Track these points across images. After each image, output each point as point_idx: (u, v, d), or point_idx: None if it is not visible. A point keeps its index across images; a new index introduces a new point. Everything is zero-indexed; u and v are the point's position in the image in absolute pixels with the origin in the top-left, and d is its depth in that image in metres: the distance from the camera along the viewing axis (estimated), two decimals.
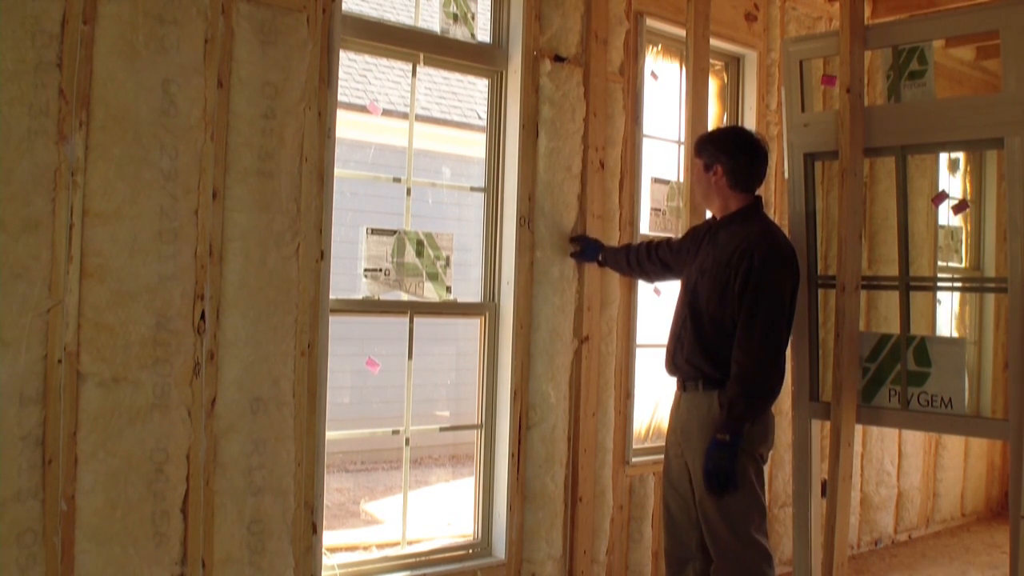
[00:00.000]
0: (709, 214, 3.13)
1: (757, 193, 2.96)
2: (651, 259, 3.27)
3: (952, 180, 5.25)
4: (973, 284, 5.09)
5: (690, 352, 2.87)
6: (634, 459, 3.69)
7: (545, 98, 3.34)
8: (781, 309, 2.77)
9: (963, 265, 5.21)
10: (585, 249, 3.40)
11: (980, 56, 5.33)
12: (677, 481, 2.96)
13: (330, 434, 2.86)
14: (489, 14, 3.40)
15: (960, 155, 5.11)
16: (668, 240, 3.30)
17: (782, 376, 2.80)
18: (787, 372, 2.88)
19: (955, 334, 5.16)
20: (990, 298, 5.20)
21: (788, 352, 2.87)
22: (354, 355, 5.93)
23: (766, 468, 4.20)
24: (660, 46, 3.96)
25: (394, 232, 3.12)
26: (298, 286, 2.71)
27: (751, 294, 2.72)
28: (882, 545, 5.00)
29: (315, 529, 2.77)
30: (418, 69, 3.23)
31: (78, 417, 2.31)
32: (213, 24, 2.52)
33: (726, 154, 2.87)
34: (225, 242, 2.57)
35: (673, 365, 2.98)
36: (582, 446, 3.44)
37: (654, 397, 3.94)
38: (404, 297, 3.15)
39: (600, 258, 3.41)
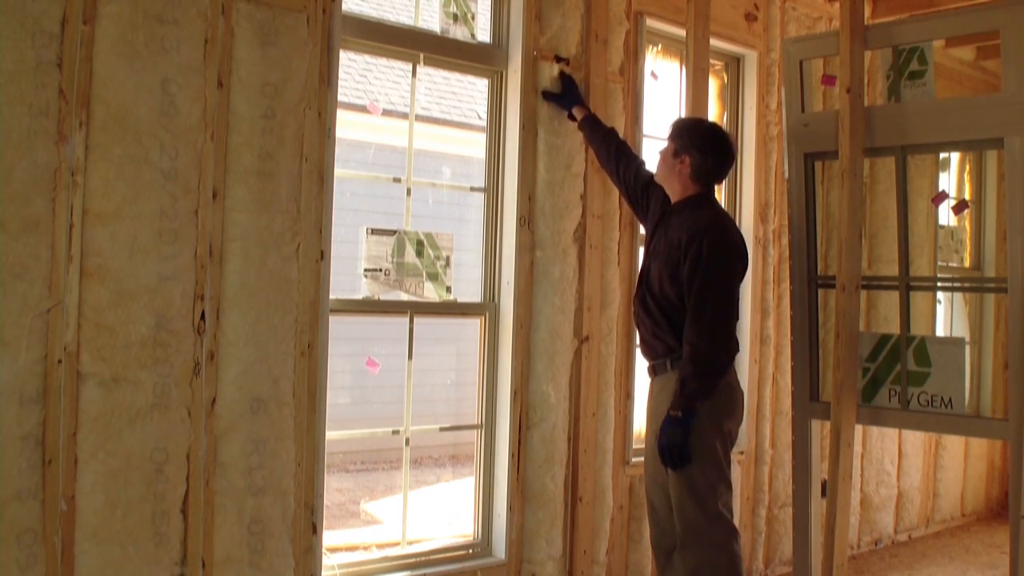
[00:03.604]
0: None
1: None
2: (619, 167, 3.27)
3: (951, 181, 5.25)
4: (973, 284, 5.09)
5: (654, 326, 2.97)
6: (634, 459, 3.69)
7: (542, 91, 3.33)
8: (729, 292, 2.86)
9: (965, 265, 5.21)
10: (565, 94, 3.35)
11: (980, 56, 5.33)
12: (654, 471, 3.00)
13: (330, 434, 2.86)
14: (489, 14, 3.40)
15: (950, 155, 5.10)
16: (639, 167, 3.27)
17: (732, 354, 2.90)
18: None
19: (965, 334, 5.16)
20: (990, 298, 5.20)
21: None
22: (354, 355, 5.92)
23: (766, 468, 4.24)
24: (660, 46, 3.96)
25: (394, 232, 3.12)
26: (298, 286, 2.71)
27: (700, 278, 2.80)
28: (882, 545, 5.00)
29: (315, 529, 2.77)
30: (418, 69, 3.23)
31: (78, 417, 2.30)
32: (213, 24, 2.52)
33: (698, 149, 2.94)
34: (225, 242, 2.57)
35: (644, 343, 3.07)
36: (582, 446, 3.44)
37: None
38: (404, 297, 3.15)
39: (578, 119, 3.36)
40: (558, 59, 3.36)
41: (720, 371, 2.84)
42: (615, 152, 3.30)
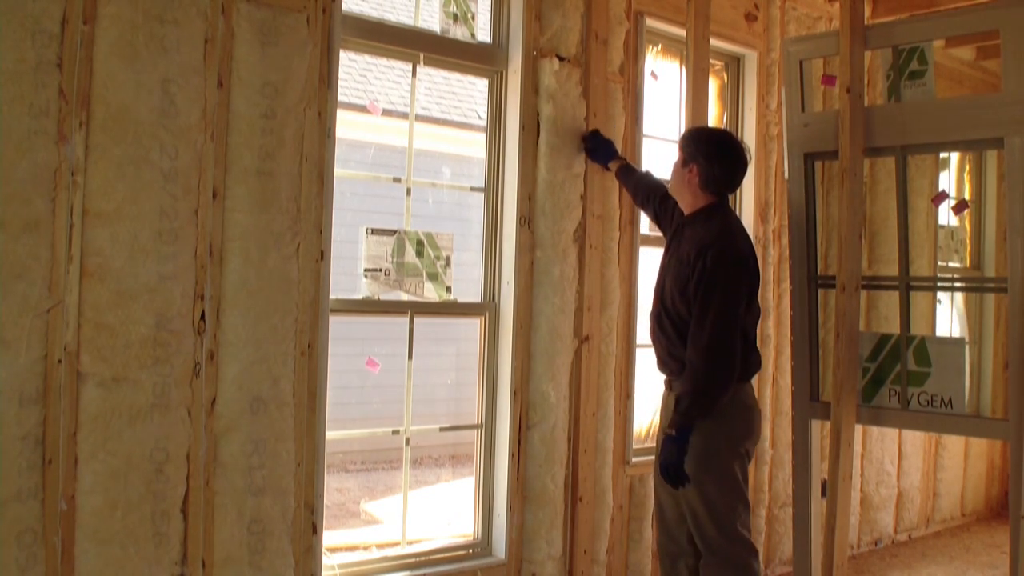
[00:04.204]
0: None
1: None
2: (649, 199, 3.30)
3: (951, 181, 5.25)
4: (973, 284, 5.10)
5: (669, 344, 2.92)
6: (634, 459, 3.69)
7: (548, 96, 3.34)
8: (732, 309, 2.76)
9: (965, 265, 5.21)
10: (596, 148, 3.42)
11: (980, 56, 5.33)
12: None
13: (330, 434, 2.86)
14: (489, 14, 3.40)
15: (950, 155, 5.11)
16: (666, 192, 3.23)
17: (732, 374, 2.76)
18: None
19: (965, 334, 5.16)
20: (990, 298, 5.20)
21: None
22: (354, 355, 5.92)
23: (766, 468, 4.25)
24: (660, 46, 3.96)
25: (394, 232, 3.12)
26: (298, 286, 2.71)
27: (704, 293, 2.75)
28: (882, 545, 5.00)
29: (315, 529, 2.77)
30: (418, 69, 3.23)
31: (78, 417, 2.30)
32: (213, 24, 2.52)
33: (705, 157, 2.88)
34: (225, 242, 2.57)
35: (661, 361, 3.02)
36: (582, 446, 3.44)
37: (654, 397, 3.94)
38: (404, 297, 3.15)
39: (613, 169, 3.44)
40: (558, 58, 3.36)
41: (718, 391, 2.74)
42: (644, 190, 3.32)
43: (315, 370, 2.76)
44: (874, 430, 4.84)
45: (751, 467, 4.15)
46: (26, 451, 2.23)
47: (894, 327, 3.47)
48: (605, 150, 3.42)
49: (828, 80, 4.07)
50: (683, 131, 3.11)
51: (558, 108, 3.35)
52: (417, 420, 3.27)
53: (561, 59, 3.37)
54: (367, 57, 5.82)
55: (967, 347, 4.97)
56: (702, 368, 2.74)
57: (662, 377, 3.07)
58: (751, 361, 2.90)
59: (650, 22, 3.76)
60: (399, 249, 3.12)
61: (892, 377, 3.31)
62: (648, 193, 3.29)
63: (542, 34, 3.36)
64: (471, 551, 3.31)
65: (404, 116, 6.79)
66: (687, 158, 2.93)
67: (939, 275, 4.68)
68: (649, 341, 3.60)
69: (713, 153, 2.88)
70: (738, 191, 4.21)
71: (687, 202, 2.97)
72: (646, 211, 3.37)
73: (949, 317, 5.13)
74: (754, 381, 4.05)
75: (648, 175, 3.39)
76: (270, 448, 2.65)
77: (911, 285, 3.39)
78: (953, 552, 4.96)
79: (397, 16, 5.50)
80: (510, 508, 3.29)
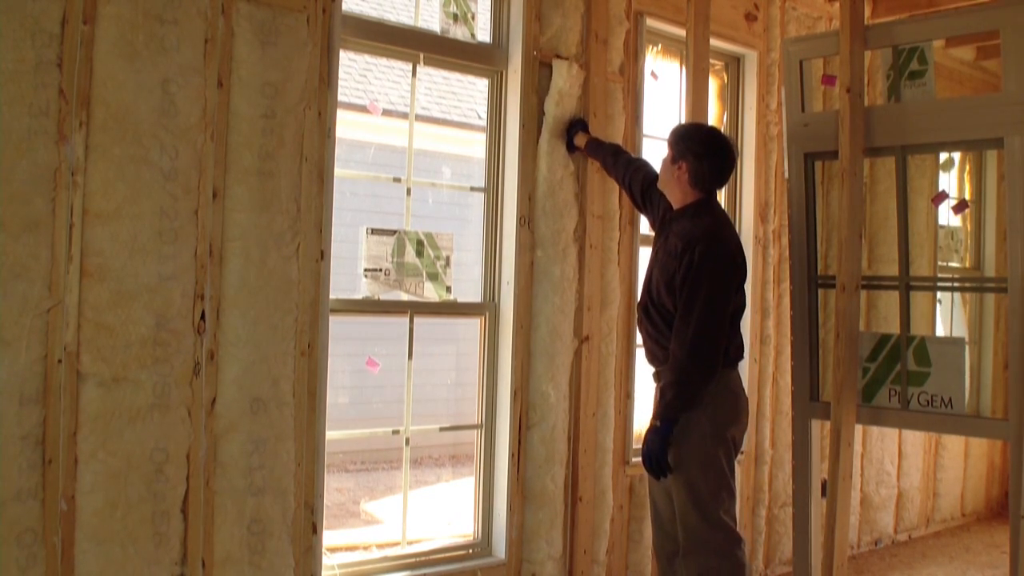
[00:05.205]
0: None
1: None
2: (623, 176, 3.30)
3: (951, 181, 5.25)
4: (973, 284, 5.10)
5: (657, 335, 2.93)
6: (634, 459, 3.69)
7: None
8: (718, 304, 2.78)
9: (965, 265, 5.21)
10: (570, 143, 3.40)
11: (980, 56, 5.34)
12: None
13: (330, 434, 2.86)
14: (489, 14, 3.40)
15: (949, 154, 5.10)
16: (636, 171, 3.25)
17: (715, 369, 2.78)
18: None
19: (965, 334, 5.16)
20: (990, 298, 5.21)
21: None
22: (354, 355, 5.92)
23: (766, 468, 4.24)
24: (660, 46, 3.96)
25: (394, 232, 3.12)
26: (298, 286, 2.71)
27: (690, 287, 2.76)
28: (882, 545, 5.00)
29: (315, 529, 2.77)
30: (418, 69, 3.23)
31: (78, 417, 2.31)
32: (213, 24, 2.52)
33: (693, 155, 2.88)
34: (225, 242, 2.57)
35: (649, 352, 3.03)
36: (582, 446, 3.44)
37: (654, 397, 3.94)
38: (404, 297, 3.15)
39: (581, 146, 3.39)
40: (557, 58, 3.36)
41: (699, 384, 2.76)
42: (612, 162, 3.32)
43: (315, 370, 2.76)
44: (874, 430, 4.84)
45: (751, 466, 4.19)
46: (26, 451, 2.23)
47: (894, 327, 3.46)
48: (572, 136, 3.39)
49: (828, 80, 4.06)
50: (673, 128, 3.07)
51: (563, 108, 3.35)
52: (417, 420, 3.27)
53: (562, 59, 3.37)
54: (367, 57, 5.83)
55: (967, 347, 4.96)
56: (685, 361, 2.75)
57: (652, 369, 3.08)
58: (735, 345, 2.91)
59: (650, 22, 3.76)
60: (399, 249, 3.12)
61: (892, 377, 3.31)
62: (630, 176, 3.26)
63: (542, 34, 3.36)
64: (471, 551, 3.31)
65: (404, 116, 6.79)
66: (676, 155, 2.93)
67: (939, 275, 4.68)
68: None
69: (702, 151, 2.89)
70: (738, 191, 4.24)
71: (676, 197, 2.97)
72: (628, 192, 3.34)
73: (949, 317, 5.13)
74: (748, 376, 4.10)
75: (629, 156, 3.36)
76: (270, 448, 2.65)
77: (911, 285, 3.39)
78: (953, 552, 4.96)
79: (397, 16, 5.50)
80: (510, 508, 3.29)
